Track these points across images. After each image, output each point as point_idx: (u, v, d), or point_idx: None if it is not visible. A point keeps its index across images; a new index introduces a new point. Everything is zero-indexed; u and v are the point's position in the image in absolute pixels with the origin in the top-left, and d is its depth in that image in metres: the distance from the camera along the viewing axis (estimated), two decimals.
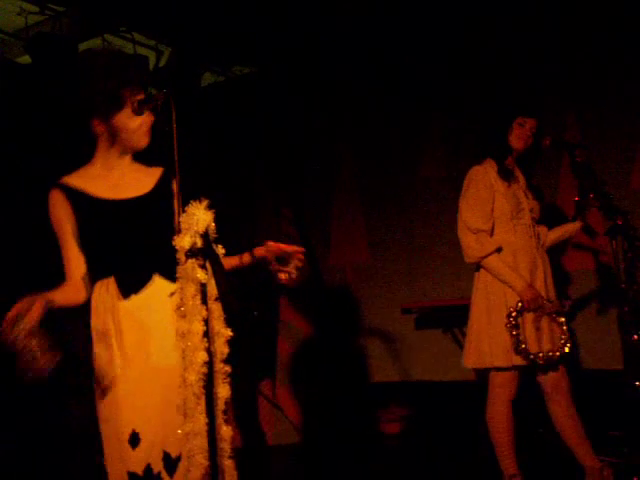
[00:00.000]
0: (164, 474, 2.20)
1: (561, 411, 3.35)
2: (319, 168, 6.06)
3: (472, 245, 3.36)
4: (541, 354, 3.24)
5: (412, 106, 5.63)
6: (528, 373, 3.38)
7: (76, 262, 2.36)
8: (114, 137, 2.35)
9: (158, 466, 2.20)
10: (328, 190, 6.04)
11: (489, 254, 3.32)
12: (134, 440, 2.20)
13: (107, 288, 2.30)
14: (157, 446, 2.21)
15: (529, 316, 3.28)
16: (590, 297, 4.73)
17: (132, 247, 2.33)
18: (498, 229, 3.40)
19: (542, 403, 3.43)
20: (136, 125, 2.34)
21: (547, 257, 3.46)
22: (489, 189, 3.37)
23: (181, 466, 2.18)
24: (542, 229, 3.51)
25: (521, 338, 3.24)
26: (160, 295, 2.28)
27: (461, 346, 5.07)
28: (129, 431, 2.20)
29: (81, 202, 2.34)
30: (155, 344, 2.27)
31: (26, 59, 5.20)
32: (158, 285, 2.31)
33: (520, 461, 3.37)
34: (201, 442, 1.99)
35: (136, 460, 2.19)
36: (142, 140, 2.38)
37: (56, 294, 2.26)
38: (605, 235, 3.18)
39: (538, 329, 3.26)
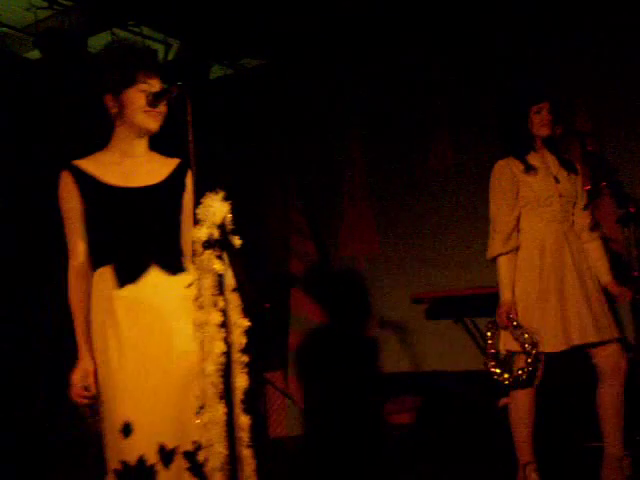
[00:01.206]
0: (159, 466, 2.20)
1: (612, 394, 3.31)
2: (329, 159, 6.07)
3: (489, 243, 3.45)
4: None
5: (420, 98, 5.63)
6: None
7: (79, 244, 2.37)
8: (123, 114, 2.38)
9: (153, 458, 2.20)
10: (338, 180, 6.05)
11: (497, 255, 3.38)
12: (126, 430, 2.20)
13: (104, 277, 2.31)
14: (152, 437, 2.21)
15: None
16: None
17: (133, 236, 2.34)
18: (525, 217, 3.42)
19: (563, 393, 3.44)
20: (143, 102, 2.37)
21: (579, 242, 3.42)
22: (511, 181, 3.41)
23: (177, 459, 2.21)
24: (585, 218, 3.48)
25: (494, 346, 3.36)
26: (156, 286, 2.31)
27: (472, 336, 5.11)
28: (121, 421, 2.21)
29: (88, 186, 2.36)
30: (151, 335, 2.28)
31: (35, 54, 5.22)
32: (155, 276, 2.32)
33: (537, 450, 3.38)
34: (220, 431, 2.01)
35: (129, 450, 2.20)
36: (150, 122, 2.40)
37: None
38: (617, 223, 3.18)
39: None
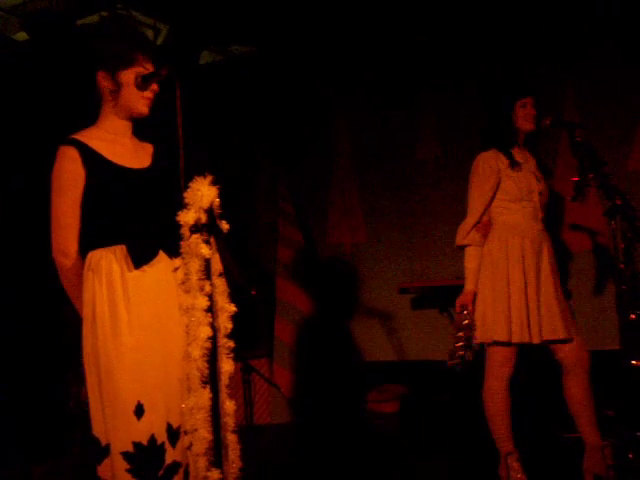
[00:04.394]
0: (167, 445, 2.23)
1: (578, 387, 3.34)
2: (317, 147, 6.06)
3: (458, 230, 3.49)
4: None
5: (408, 89, 5.63)
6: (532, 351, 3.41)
7: (76, 226, 2.33)
8: (117, 95, 2.35)
9: (162, 437, 2.22)
10: (325, 169, 6.04)
11: (461, 246, 3.46)
12: (139, 411, 2.21)
13: (115, 256, 2.29)
14: (161, 417, 2.23)
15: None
16: (588, 277, 4.75)
17: (143, 217, 2.33)
18: (505, 211, 3.44)
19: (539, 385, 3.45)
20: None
21: (551, 241, 3.48)
22: (495, 174, 3.42)
23: (182, 437, 2.22)
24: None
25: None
26: (165, 269, 2.31)
27: None
28: (134, 402, 2.21)
29: (97, 164, 2.32)
30: (157, 316, 2.28)
31: (23, 36, 5.17)
32: (163, 259, 2.33)
33: (516, 440, 3.40)
34: (205, 416, 2.01)
35: (141, 431, 2.20)
36: (142, 105, 2.38)
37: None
38: (604, 215, 3.18)
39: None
